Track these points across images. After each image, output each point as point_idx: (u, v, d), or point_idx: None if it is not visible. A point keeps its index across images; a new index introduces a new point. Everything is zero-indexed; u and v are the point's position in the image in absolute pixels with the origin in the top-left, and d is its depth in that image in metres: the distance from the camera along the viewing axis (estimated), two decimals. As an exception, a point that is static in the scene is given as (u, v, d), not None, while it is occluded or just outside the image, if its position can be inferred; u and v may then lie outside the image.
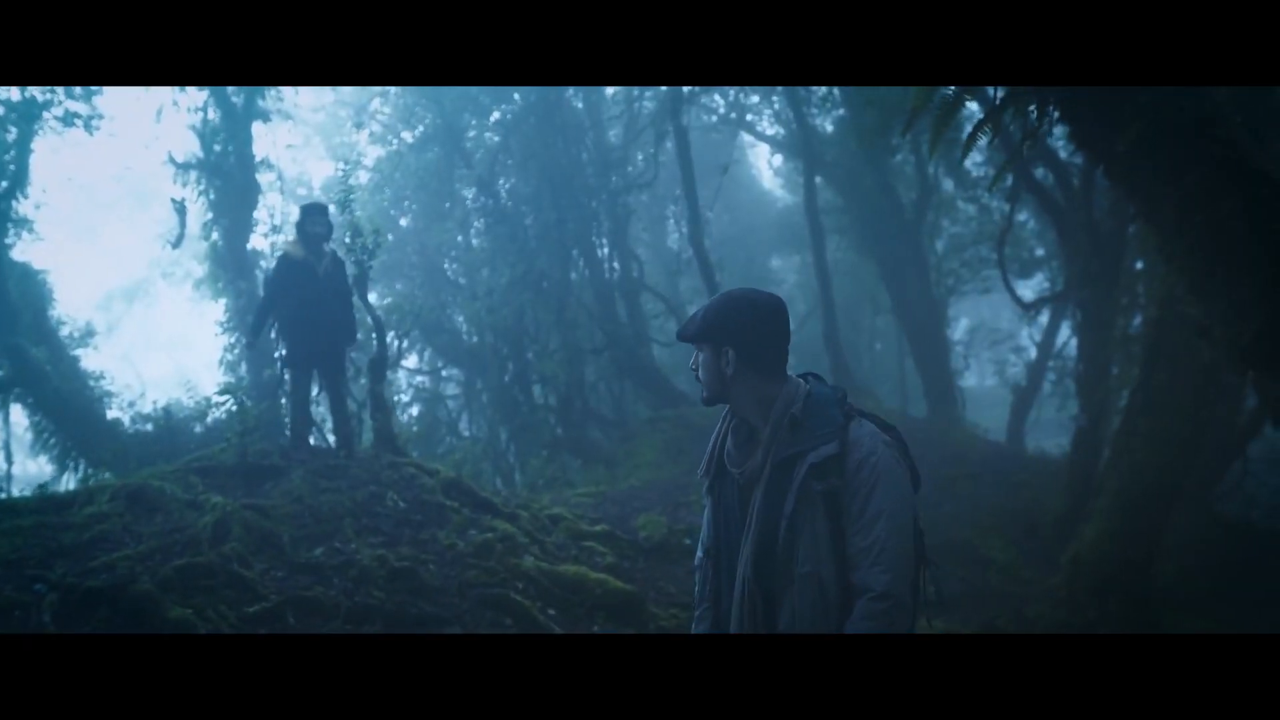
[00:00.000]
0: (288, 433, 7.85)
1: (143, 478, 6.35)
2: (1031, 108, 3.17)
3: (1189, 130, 2.84)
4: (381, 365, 8.15)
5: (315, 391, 7.75)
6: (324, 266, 7.40)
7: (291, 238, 7.61)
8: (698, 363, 2.35)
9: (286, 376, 7.85)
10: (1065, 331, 16.51)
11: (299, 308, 7.21)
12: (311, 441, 7.84)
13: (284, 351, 7.60)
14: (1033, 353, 18.54)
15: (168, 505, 5.76)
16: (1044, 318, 17.28)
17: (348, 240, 7.99)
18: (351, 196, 8.26)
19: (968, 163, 17.77)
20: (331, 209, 8.33)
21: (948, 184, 18.18)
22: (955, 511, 11.36)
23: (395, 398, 17.84)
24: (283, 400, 8.89)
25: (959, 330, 24.04)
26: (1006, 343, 20.45)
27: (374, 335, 8.55)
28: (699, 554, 2.51)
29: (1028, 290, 17.96)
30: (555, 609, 5.85)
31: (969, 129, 3.65)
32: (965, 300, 22.58)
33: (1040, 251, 17.71)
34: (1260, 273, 2.72)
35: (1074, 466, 10.53)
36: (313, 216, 7.49)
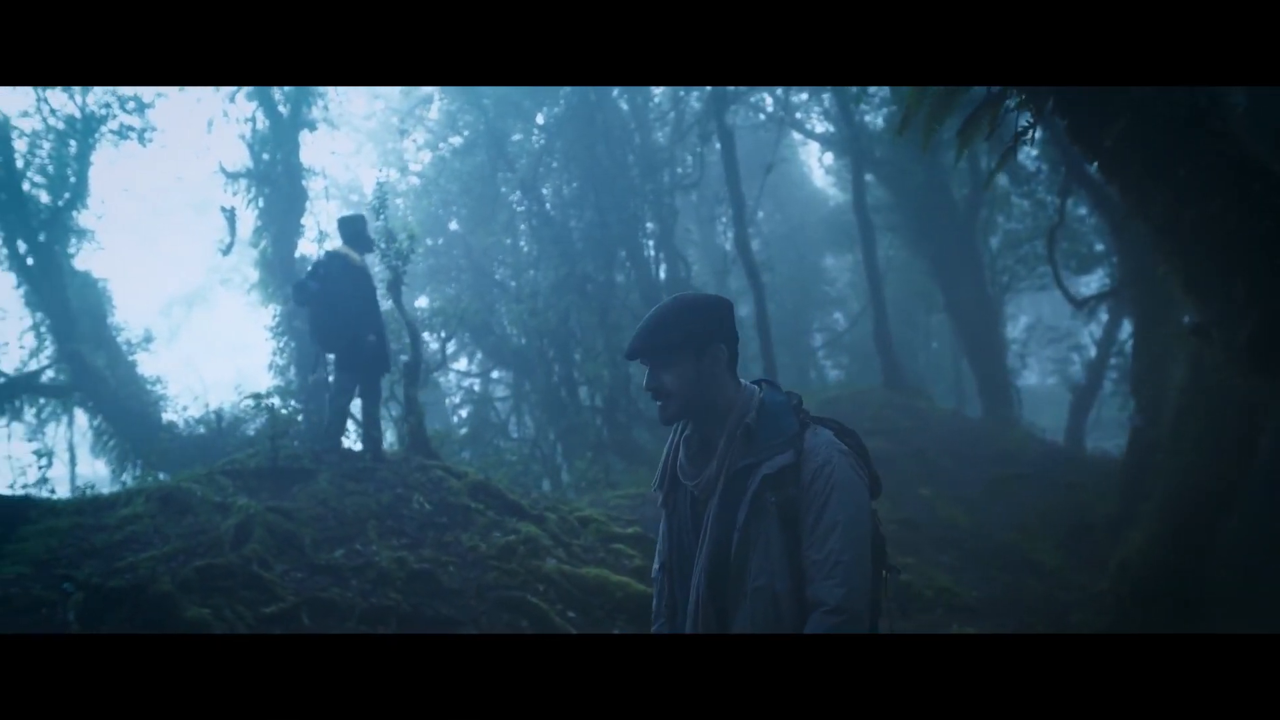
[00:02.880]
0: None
1: (177, 480, 6.52)
2: (1012, 103, 3.07)
3: (1181, 122, 2.71)
4: (415, 369, 8.25)
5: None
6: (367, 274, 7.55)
7: (339, 243, 7.69)
8: (660, 380, 2.20)
9: (330, 379, 7.94)
10: (1127, 329, 16.02)
11: (354, 315, 7.28)
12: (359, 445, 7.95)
13: (332, 354, 7.62)
14: (1093, 351, 18.03)
15: (197, 507, 5.90)
16: (1105, 315, 16.83)
17: (382, 245, 8.09)
18: (386, 202, 8.36)
19: (1021, 156, 17.40)
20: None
21: (1002, 179, 17.76)
22: (1003, 513, 11.12)
23: (446, 400, 18.12)
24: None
25: (1018, 328, 23.48)
26: (1066, 340, 19.91)
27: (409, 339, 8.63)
28: (655, 567, 2.45)
29: (1089, 287, 17.49)
30: (575, 611, 5.85)
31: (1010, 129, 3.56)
32: (1024, 297, 22.07)
33: (1100, 247, 17.20)
34: (1253, 270, 2.58)
35: (1128, 468, 10.20)
36: (366, 226, 7.62)
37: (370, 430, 7.48)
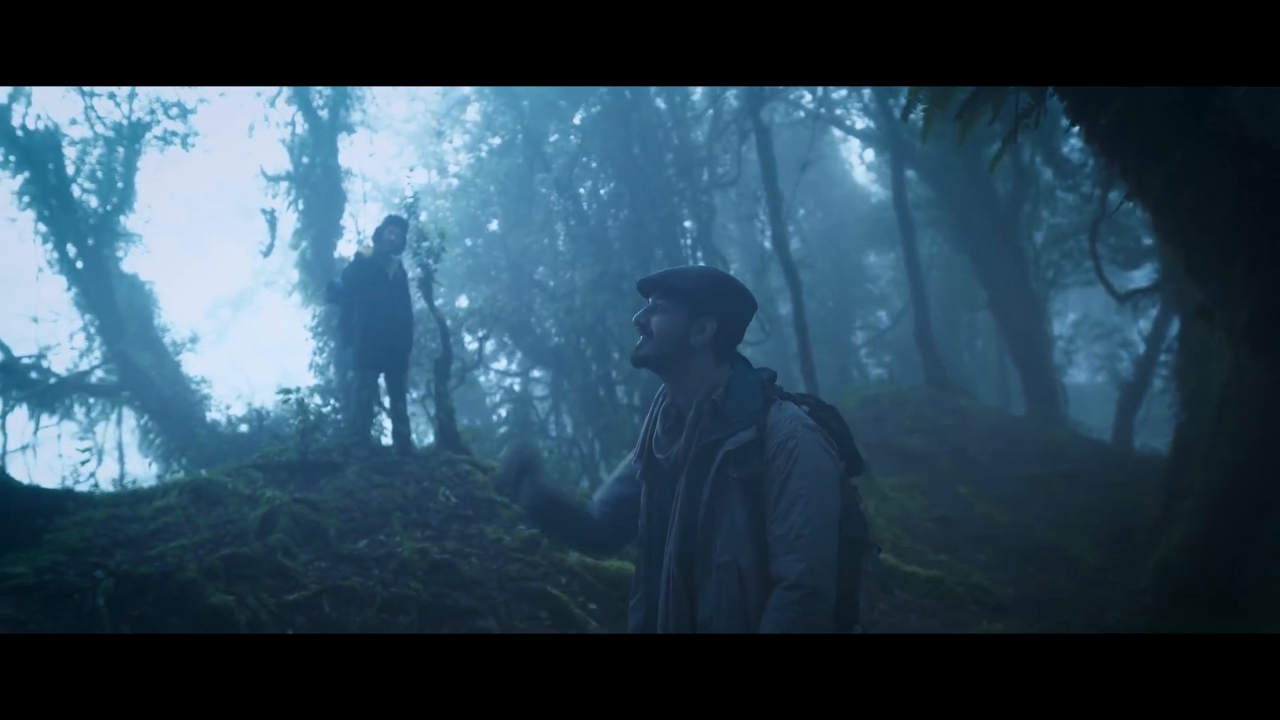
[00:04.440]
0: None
1: (211, 474, 6.68)
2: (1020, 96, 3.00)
3: (1177, 101, 2.64)
4: (445, 365, 8.35)
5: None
6: (393, 272, 7.68)
7: (369, 243, 7.93)
8: (649, 318, 2.26)
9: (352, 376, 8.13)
10: (1177, 324, 15.61)
11: (369, 311, 7.47)
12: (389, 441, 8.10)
13: (352, 352, 7.86)
14: (1142, 347, 17.63)
15: (227, 499, 6.05)
16: (1155, 309, 16.44)
17: (414, 244, 8.23)
18: (418, 204, 8.51)
19: (1067, 150, 17.08)
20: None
21: (1046, 173, 17.45)
22: (1044, 512, 10.95)
23: (486, 399, 18.30)
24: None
25: (1065, 324, 23.05)
26: (1113, 336, 19.48)
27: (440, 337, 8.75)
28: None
29: (1138, 282, 17.06)
30: (596, 603, 5.88)
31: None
32: (1072, 293, 21.67)
33: (1148, 241, 16.80)
34: (1253, 251, 2.50)
35: (1173, 465, 9.97)
36: (390, 225, 7.80)
37: (398, 425, 7.61)
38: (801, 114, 20.79)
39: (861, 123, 20.96)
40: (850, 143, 26.22)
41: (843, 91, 19.14)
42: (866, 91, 18.31)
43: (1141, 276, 17.21)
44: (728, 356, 2.27)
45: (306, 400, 7.54)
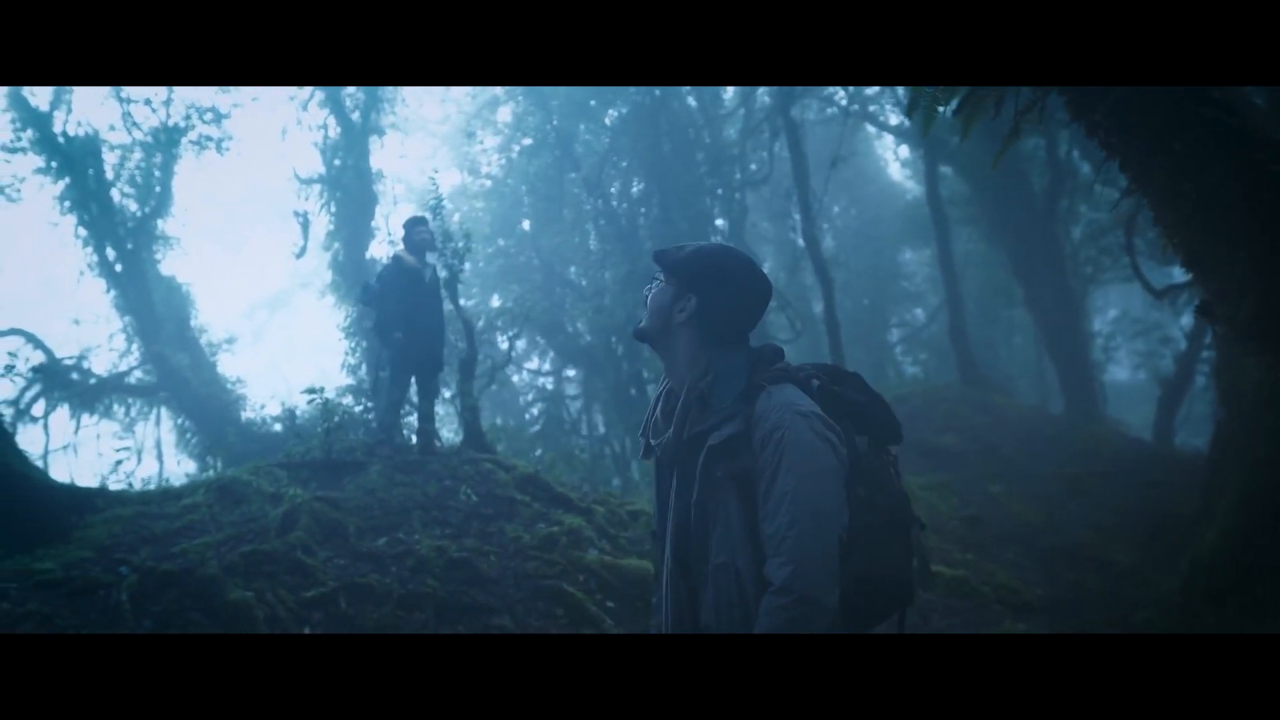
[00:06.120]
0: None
1: (237, 473, 6.81)
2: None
3: (1176, 93, 2.58)
4: (470, 365, 8.43)
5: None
6: (429, 275, 7.72)
7: (402, 247, 7.94)
8: (652, 291, 2.16)
9: (383, 375, 8.19)
10: (1219, 320, 15.26)
11: (407, 313, 7.51)
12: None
13: (387, 352, 7.90)
14: (1183, 343, 17.26)
15: (252, 497, 6.16)
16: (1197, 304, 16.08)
17: (440, 246, 8.28)
18: (441, 205, 8.58)
19: (1105, 143, 16.75)
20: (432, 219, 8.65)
21: (1084, 167, 17.14)
22: (1079, 511, 10.78)
23: (520, 399, 18.42)
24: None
25: (1106, 321, 22.64)
26: (1154, 333, 19.08)
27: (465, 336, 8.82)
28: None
29: (1180, 277, 16.70)
30: (615, 601, 5.90)
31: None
32: (1113, 290, 21.28)
33: (1189, 235, 16.42)
34: (1254, 244, 2.44)
35: (1211, 462, 9.76)
36: (417, 225, 7.83)
37: (423, 424, 7.68)
38: (834, 110, 20.61)
39: (895, 119, 20.72)
40: (884, 139, 25.96)
41: (874, 87, 18.96)
42: (900, 88, 18.13)
43: (1181, 272, 16.84)
44: (714, 339, 2.08)
45: (333, 400, 7.63)
